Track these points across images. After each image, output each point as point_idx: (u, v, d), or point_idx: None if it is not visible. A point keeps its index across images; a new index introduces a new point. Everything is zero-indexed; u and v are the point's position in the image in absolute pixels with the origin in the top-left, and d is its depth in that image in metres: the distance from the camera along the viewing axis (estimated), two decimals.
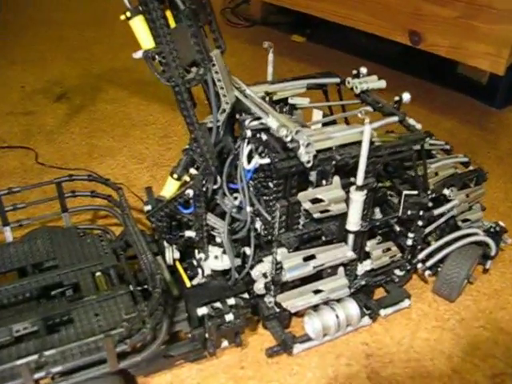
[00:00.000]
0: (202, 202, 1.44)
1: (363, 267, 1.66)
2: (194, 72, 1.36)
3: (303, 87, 1.72)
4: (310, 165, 1.35)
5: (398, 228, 1.72)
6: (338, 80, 1.77)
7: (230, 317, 1.46)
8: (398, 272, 1.78)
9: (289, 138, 1.30)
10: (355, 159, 1.41)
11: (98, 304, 1.40)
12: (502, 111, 3.11)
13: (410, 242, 1.70)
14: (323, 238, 1.52)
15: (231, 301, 1.48)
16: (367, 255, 1.67)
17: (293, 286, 1.54)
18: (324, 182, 1.44)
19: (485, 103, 3.13)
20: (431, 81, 3.28)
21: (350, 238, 1.55)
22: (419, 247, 1.76)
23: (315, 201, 1.41)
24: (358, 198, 1.45)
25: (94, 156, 2.47)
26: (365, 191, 1.45)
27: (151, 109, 2.88)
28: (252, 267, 1.52)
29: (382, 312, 1.70)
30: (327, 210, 1.43)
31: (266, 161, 1.38)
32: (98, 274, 1.52)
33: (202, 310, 1.46)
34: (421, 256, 1.77)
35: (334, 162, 1.39)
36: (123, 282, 1.50)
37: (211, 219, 1.48)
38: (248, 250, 1.52)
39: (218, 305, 1.48)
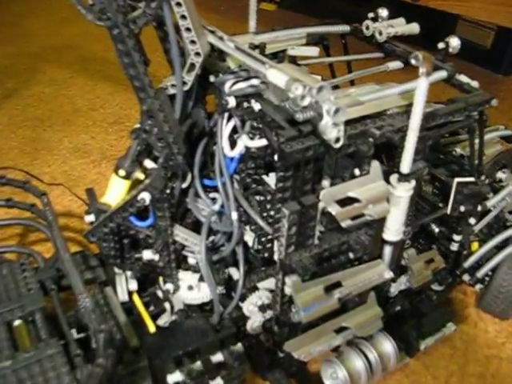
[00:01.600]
0: (164, 210, 1.10)
1: (398, 286, 1.24)
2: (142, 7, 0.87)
3: (301, 38, 1.25)
4: (339, 145, 0.86)
5: (436, 229, 1.33)
6: (347, 28, 1.32)
7: (217, 383, 0.99)
8: (436, 287, 1.40)
9: (306, 101, 0.80)
10: (401, 133, 0.92)
11: (15, 374, 1.01)
12: (509, 78, 2.91)
13: (455, 247, 1.34)
14: (350, 256, 1.03)
15: (218, 357, 1.04)
16: (403, 269, 1.23)
17: (308, 325, 1.07)
18: (357, 171, 0.95)
19: (489, 70, 2.93)
20: (427, 47, 2.95)
21: (388, 250, 1.09)
22: (465, 252, 1.37)
23: (344, 202, 0.93)
24: (402, 192, 0.98)
25: (26, 151, 2.20)
26: (413, 182, 0.98)
27: (98, 90, 2.63)
28: (243, 298, 1.17)
29: (422, 345, 1.32)
30: (362, 215, 0.94)
31: (262, 142, 0.99)
32: (18, 322, 1.14)
33: (175, 377, 1.00)
34: (467, 264, 1.40)
35: (371, 140, 0.90)
36: (56, 333, 1.11)
37: (180, 234, 1.16)
38: (235, 273, 1.19)
39: (197, 365, 1.00)
